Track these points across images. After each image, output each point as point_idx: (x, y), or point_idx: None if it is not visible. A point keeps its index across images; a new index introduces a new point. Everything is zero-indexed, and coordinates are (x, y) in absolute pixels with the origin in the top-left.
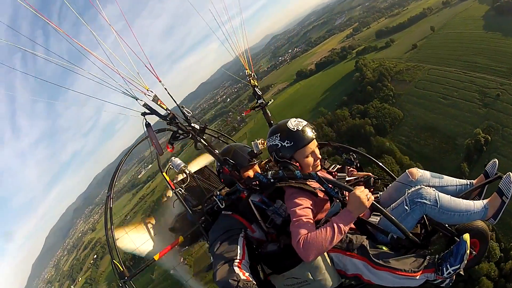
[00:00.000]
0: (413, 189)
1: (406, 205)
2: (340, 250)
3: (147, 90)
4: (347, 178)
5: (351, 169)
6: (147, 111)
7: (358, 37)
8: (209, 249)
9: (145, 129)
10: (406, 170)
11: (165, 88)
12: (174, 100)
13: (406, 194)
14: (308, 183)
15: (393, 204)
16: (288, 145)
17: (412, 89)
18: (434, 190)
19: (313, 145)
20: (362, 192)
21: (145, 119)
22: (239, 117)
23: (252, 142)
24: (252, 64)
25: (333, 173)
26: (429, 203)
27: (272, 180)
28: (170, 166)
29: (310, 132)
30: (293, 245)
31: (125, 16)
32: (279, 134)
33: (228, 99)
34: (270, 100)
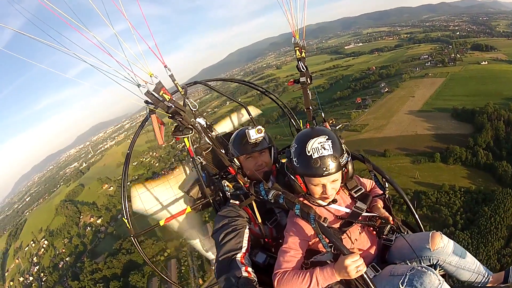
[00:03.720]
0: (419, 268)
1: (402, 283)
2: None
3: (151, 76)
4: (364, 214)
5: (376, 200)
6: (149, 100)
7: None
8: (213, 234)
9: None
10: (430, 232)
11: (171, 76)
12: (180, 92)
13: (409, 269)
14: (313, 209)
15: (395, 268)
16: (296, 164)
17: None
18: (440, 281)
19: (325, 180)
20: (354, 262)
21: (148, 107)
22: (452, 55)
23: (246, 130)
24: (304, 31)
25: (354, 199)
26: None
27: (272, 201)
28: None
29: (324, 166)
30: (273, 272)
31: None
32: (296, 146)
33: (458, 32)
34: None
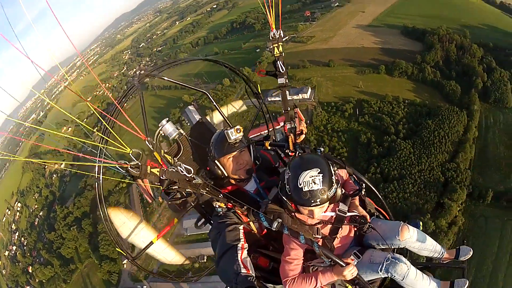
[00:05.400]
0: (392, 259)
1: (380, 270)
2: None
3: (130, 152)
4: (348, 214)
5: (353, 199)
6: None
7: None
8: (209, 233)
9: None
10: (401, 225)
11: (156, 147)
12: (170, 162)
13: (385, 259)
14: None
15: (373, 256)
16: (288, 192)
17: None
18: (407, 267)
19: (314, 208)
20: (349, 271)
21: (136, 182)
22: None
23: (225, 132)
24: (280, 19)
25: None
26: (397, 277)
27: (275, 231)
28: (161, 133)
29: (313, 199)
30: (282, 280)
31: None
32: (290, 175)
33: None
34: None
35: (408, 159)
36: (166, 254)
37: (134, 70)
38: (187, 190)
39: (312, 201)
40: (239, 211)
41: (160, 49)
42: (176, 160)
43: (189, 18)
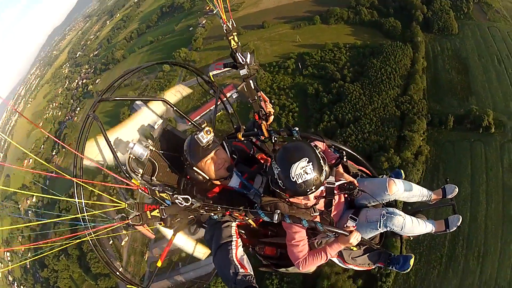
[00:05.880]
0: (388, 214)
1: (379, 226)
2: None
3: (126, 207)
4: (337, 183)
5: (337, 168)
6: (135, 224)
7: None
8: (205, 234)
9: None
10: (387, 180)
11: (151, 193)
12: (165, 199)
13: (381, 216)
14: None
15: (368, 215)
16: (282, 186)
17: None
18: (403, 218)
19: (310, 194)
20: (355, 238)
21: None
22: None
23: (195, 137)
24: (230, 11)
25: None
26: (396, 228)
27: (276, 222)
28: (131, 156)
29: (308, 188)
30: (293, 263)
31: None
32: (280, 170)
33: None
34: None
35: (359, 101)
36: (188, 247)
37: (76, 81)
38: (189, 217)
39: (308, 189)
40: (237, 214)
41: (97, 53)
42: (171, 193)
43: (118, 15)
